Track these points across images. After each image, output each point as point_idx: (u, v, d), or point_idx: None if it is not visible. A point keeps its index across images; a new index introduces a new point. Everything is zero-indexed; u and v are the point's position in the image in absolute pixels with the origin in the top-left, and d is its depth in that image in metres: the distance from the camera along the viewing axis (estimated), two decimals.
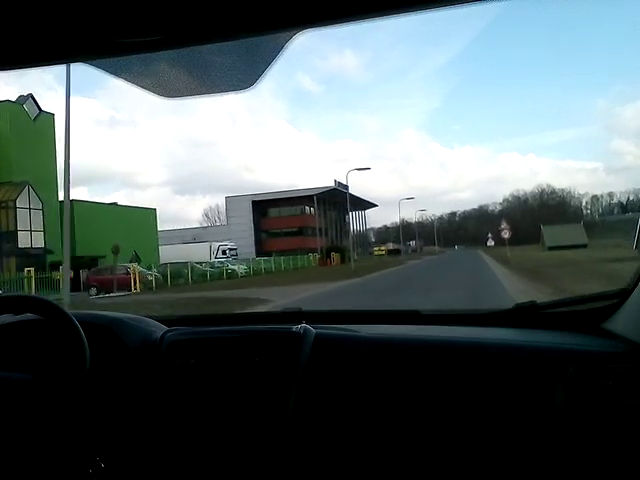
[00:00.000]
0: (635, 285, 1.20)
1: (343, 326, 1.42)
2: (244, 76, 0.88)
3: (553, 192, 76.80)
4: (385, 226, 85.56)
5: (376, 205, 62.07)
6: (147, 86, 0.88)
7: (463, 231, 77.85)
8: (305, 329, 1.32)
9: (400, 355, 1.24)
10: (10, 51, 0.68)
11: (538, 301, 1.41)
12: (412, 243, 70.25)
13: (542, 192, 77.34)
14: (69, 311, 1.22)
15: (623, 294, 1.25)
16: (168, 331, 1.42)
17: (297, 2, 0.57)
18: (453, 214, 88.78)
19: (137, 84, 0.85)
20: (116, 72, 0.80)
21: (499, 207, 79.14)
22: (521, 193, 78.53)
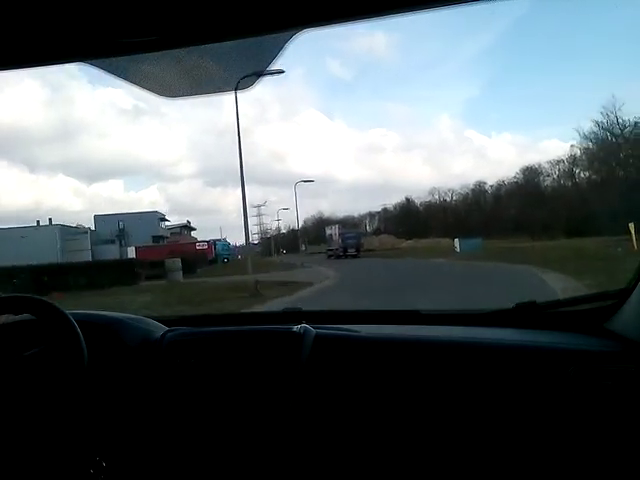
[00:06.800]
0: (635, 285, 1.20)
1: (343, 326, 1.42)
2: (244, 76, 0.88)
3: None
4: (359, 214, 49.45)
5: None
6: (148, 86, 0.88)
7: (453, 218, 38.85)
8: (305, 329, 1.32)
9: (400, 355, 1.24)
10: (10, 51, 0.68)
11: (538, 301, 1.41)
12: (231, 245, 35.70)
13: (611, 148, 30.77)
14: (67, 311, 1.22)
15: (623, 294, 1.24)
16: (168, 331, 1.42)
17: (296, 3, 0.57)
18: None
19: (138, 84, 0.85)
20: (117, 72, 0.80)
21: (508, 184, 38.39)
22: (543, 166, 36.25)
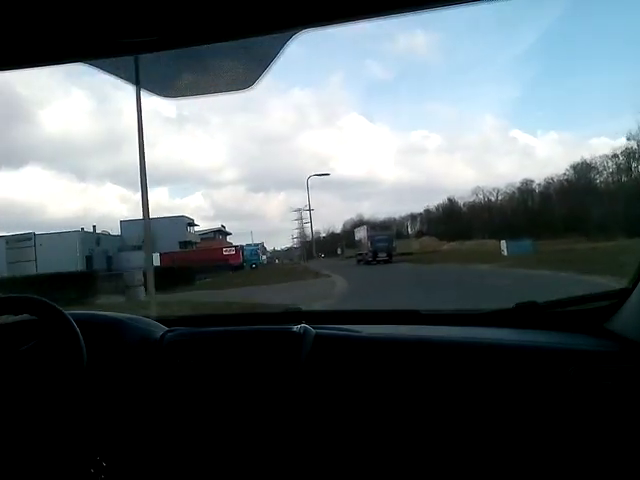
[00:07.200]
0: (635, 285, 1.20)
1: (343, 326, 1.42)
2: (244, 76, 0.89)
3: None
4: (400, 216, 43.20)
5: None
6: (148, 86, 0.89)
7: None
8: (305, 329, 1.32)
9: (400, 355, 1.24)
10: (10, 51, 0.68)
11: (538, 301, 1.41)
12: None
13: None
14: (66, 311, 1.23)
15: (623, 294, 1.24)
16: (168, 331, 1.43)
17: (296, 3, 0.58)
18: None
19: (138, 84, 0.87)
20: (116, 72, 0.81)
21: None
22: (596, 161, 32.46)
